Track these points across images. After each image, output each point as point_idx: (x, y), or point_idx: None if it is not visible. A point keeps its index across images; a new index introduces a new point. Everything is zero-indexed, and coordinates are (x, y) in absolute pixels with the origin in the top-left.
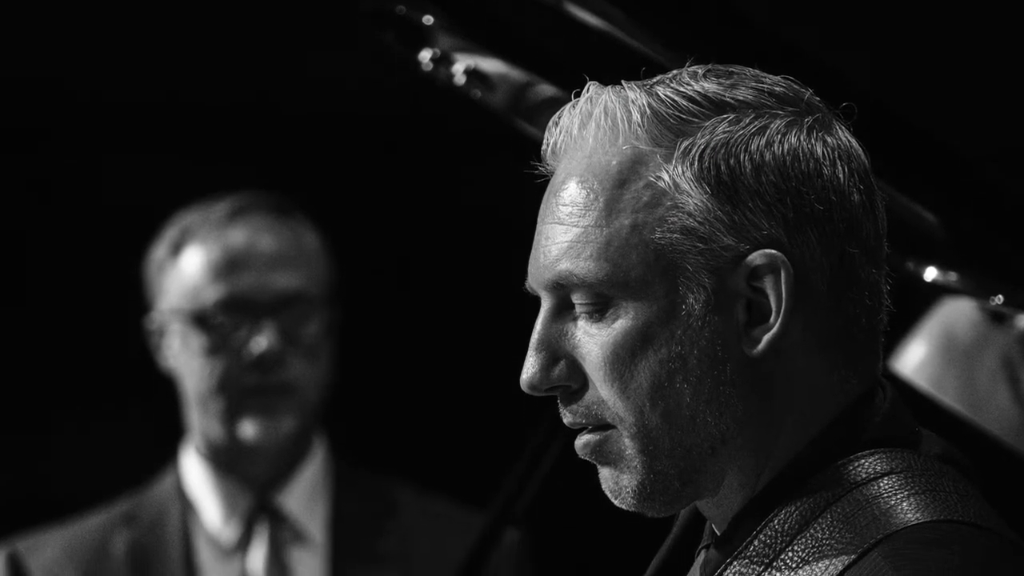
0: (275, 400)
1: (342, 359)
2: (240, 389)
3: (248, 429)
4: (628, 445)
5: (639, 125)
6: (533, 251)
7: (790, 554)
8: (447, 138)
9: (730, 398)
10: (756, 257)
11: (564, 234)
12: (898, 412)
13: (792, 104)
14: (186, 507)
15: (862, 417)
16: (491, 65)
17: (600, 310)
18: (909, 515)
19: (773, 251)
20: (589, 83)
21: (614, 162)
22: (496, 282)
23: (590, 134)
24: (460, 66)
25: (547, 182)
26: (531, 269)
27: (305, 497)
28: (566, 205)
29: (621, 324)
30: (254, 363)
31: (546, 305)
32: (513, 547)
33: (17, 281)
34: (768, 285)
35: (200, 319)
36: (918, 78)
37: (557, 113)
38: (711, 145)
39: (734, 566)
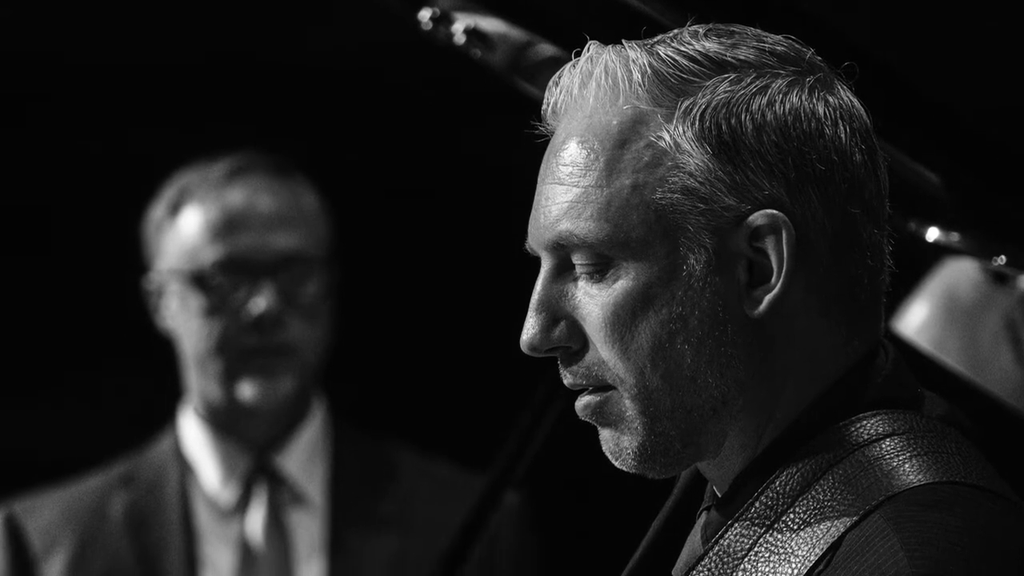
0: (274, 361)
1: (341, 320)
2: (239, 350)
3: (247, 390)
4: (629, 406)
5: (640, 85)
6: (533, 211)
7: (791, 516)
8: (447, 98)
9: (731, 359)
10: (757, 217)
11: (564, 194)
12: (900, 373)
13: (793, 64)
14: (184, 469)
15: (864, 378)
16: (491, 24)
17: (600, 271)
18: (911, 477)
19: (774, 211)
20: (590, 42)
21: (615, 122)
22: (496, 243)
23: (591, 94)
24: (460, 25)
25: (547, 142)
26: (531, 229)
27: (304, 459)
28: (566, 165)
29: (622, 285)
30: (253, 324)
31: (546, 266)
32: (514, 509)
33: (15, 242)
34: (769, 245)
35: (198, 279)
36: (918, 37)
37: (557, 73)
38: (712, 105)
39: (735, 528)
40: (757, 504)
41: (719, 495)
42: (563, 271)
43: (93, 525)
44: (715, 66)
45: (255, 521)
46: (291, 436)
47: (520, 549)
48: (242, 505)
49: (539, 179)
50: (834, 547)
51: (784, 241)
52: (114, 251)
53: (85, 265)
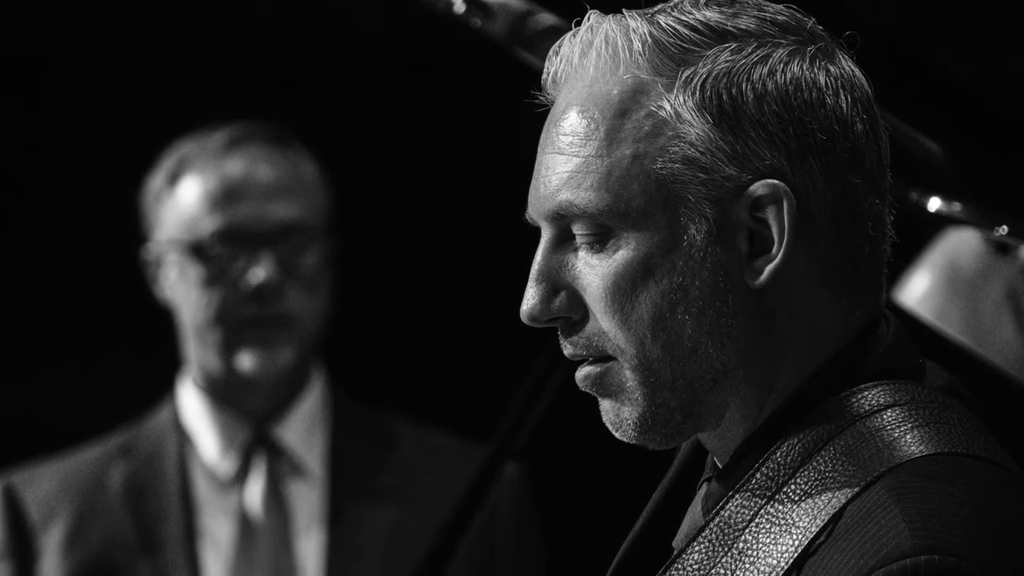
0: (273, 332)
1: (340, 290)
2: (238, 320)
3: (246, 361)
4: (629, 377)
5: (640, 54)
6: (533, 181)
7: (792, 487)
8: (447, 67)
9: (732, 329)
10: (758, 187)
11: (564, 164)
12: (902, 344)
13: (794, 33)
14: (183, 440)
15: (865, 349)
16: None
17: (601, 241)
18: (913, 448)
19: (775, 181)
20: (590, 12)
21: (615, 91)
22: (496, 213)
23: (591, 63)
24: None
25: (547, 112)
26: (531, 199)
27: (303, 430)
28: (566, 135)
29: (622, 255)
30: (252, 294)
31: (546, 236)
32: (513, 480)
33: (15, 211)
34: (770, 215)
35: (197, 250)
36: (920, 7)
37: (557, 42)
38: (713, 74)
39: (736, 499)
40: (758, 475)
41: (720, 466)
42: (563, 241)
43: (92, 496)
44: (716, 35)
45: (254, 492)
46: (290, 407)
47: (520, 520)
48: (241, 476)
49: (539, 149)
50: (835, 518)
51: (785, 211)
52: (113, 221)
53: (84, 235)
